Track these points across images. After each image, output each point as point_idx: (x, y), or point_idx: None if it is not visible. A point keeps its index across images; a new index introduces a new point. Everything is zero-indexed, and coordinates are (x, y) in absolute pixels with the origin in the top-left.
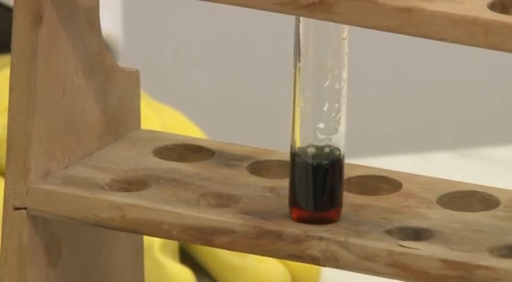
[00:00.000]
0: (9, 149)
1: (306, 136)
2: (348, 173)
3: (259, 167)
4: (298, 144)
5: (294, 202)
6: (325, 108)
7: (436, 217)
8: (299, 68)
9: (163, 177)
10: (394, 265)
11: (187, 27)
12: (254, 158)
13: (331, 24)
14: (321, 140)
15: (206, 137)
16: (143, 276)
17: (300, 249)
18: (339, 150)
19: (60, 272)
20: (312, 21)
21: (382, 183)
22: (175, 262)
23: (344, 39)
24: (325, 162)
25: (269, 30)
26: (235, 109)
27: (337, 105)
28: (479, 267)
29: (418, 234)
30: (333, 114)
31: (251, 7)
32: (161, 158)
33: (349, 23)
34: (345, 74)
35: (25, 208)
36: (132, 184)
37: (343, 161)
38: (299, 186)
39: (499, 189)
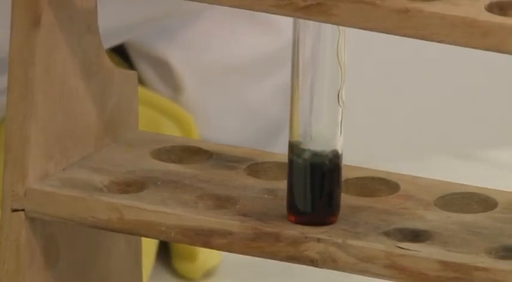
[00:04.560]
0: (7, 151)
1: (304, 138)
2: (345, 174)
3: (257, 168)
4: (296, 146)
5: (291, 204)
6: (323, 111)
7: (434, 219)
8: (297, 70)
9: (161, 179)
10: (392, 267)
11: None
12: (252, 159)
13: (330, 25)
14: (319, 142)
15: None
16: (142, 277)
17: (298, 250)
18: (337, 152)
19: (58, 273)
20: (310, 23)
21: (380, 185)
22: None
23: (343, 41)
24: (323, 164)
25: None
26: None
27: (335, 108)
28: (477, 268)
29: (416, 236)
30: (332, 116)
31: (249, 9)
32: (159, 160)
33: (347, 24)
34: (343, 77)
35: (23, 210)
36: (130, 186)
37: (341, 163)
38: (297, 188)
39: (497, 191)
